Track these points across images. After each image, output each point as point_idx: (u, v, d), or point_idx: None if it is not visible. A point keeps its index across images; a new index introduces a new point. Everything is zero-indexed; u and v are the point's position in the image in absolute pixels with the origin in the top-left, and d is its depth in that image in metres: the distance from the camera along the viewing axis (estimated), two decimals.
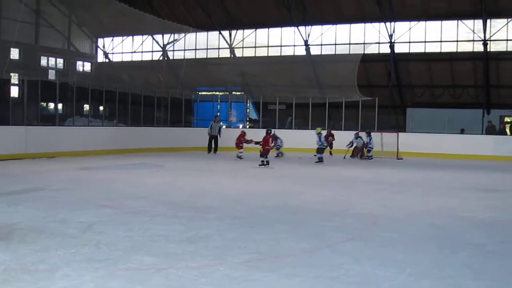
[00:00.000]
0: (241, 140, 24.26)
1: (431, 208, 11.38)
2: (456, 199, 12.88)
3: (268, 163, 20.33)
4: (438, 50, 36.83)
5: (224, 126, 32.98)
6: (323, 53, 39.45)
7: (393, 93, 37.71)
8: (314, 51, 39.51)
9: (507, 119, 37.64)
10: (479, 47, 35.45)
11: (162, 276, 5.95)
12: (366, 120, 31.71)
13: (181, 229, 8.47)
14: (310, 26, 38.77)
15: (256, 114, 40.57)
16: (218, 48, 42.68)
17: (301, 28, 38.83)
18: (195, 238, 7.84)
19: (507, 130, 34.99)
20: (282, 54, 40.74)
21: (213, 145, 28.00)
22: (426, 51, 37.07)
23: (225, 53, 42.25)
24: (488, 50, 35.24)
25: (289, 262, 6.71)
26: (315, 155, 23.43)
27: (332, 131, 28.51)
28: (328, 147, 26.53)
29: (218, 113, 32.44)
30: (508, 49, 35.47)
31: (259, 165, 20.09)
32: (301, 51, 39.77)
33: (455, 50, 36.55)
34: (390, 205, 11.69)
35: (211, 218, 9.50)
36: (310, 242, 7.80)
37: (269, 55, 40.90)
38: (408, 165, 22.96)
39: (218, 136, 27.96)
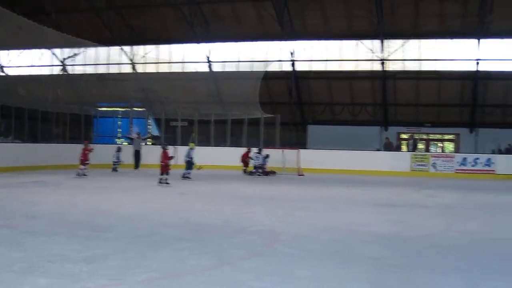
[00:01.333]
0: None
1: (332, 224, 11.55)
2: (356, 215, 13.15)
3: (167, 181, 19.76)
4: (338, 69, 37.75)
5: (125, 143, 32.56)
6: (225, 70, 39.61)
7: (294, 110, 38.30)
8: (217, 68, 39.65)
9: (403, 136, 39.00)
10: (377, 66, 36.63)
11: None
12: (268, 136, 32.04)
13: (78, 249, 8.18)
14: (212, 43, 38.86)
15: (158, 131, 40.19)
16: (120, 64, 42.00)
17: (204, 44, 38.88)
18: (92, 258, 7.60)
19: (404, 147, 36.23)
20: (185, 71, 40.60)
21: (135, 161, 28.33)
22: (327, 69, 37.91)
23: (127, 69, 41.65)
24: (386, 69, 36.48)
25: (190, 280, 6.61)
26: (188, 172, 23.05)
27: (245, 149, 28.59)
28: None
29: (138, 132, 31.86)
30: (405, 69, 36.85)
31: (159, 183, 19.68)
32: (203, 67, 39.80)
33: (354, 69, 37.58)
34: (292, 221, 11.79)
35: (110, 237, 9.26)
36: (211, 260, 7.71)
37: (172, 71, 40.66)
38: (309, 181, 23.32)
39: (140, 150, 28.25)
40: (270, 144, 29.43)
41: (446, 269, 7.64)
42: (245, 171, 27.13)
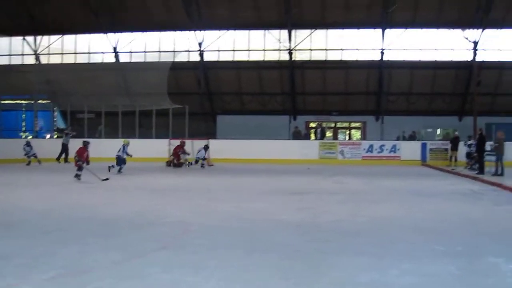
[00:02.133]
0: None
1: (242, 213, 11.57)
2: (265, 203, 13.22)
3: (79, 176, 19.11)
4: (246, 59, 37.89)
5: (30, 137, 31.61)
6: (132, 60, 39.03)
7: (203, 100, 38.19)
8: (124, 58, 39.00)
9: (312, 125, 39.61)
10: (285, 56, 37.04)
11: None
12: (177, 127, 31.80)
13: None
14: (119, 33, 38.20)
15: (64, 123, 39.15)
16: (22, 54, 40.61)
17: (110, 35, 38.15)
18: None
19: (312, 135, 36.80)
20: (91, 61, 39.73)
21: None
22: (235, 59, 37.98)
23: (30, 60, 40.35)
24: (293, 59, 36.93)
25: (99, 275, 6.44)
26: (112, 166, 22.61)
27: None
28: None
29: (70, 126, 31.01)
30: (312, 58, 37.39)
31: (75, 176, 19.04)
32: (110, 58, 39.07)
33: (262, 59, 37.81)
34: (201, 212, 11.72)
35: (14, 235, 8.91)
36: (120, 253, 7.55)
37: (77, 62, 39.70)
38: (219, 172, 23.31)
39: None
40: (179, 135, 29.17)
41: (354, 253, 7.79)
42: (174, 164, 26.39)
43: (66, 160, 28.36)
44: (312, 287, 5.98)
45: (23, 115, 38.01)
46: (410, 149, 30.21)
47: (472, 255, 7.85)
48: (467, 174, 22.45)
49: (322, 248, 8.12)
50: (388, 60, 36.67)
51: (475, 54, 35.36)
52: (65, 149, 28.62)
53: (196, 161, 26.09)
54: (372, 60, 37.10)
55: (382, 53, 36.35)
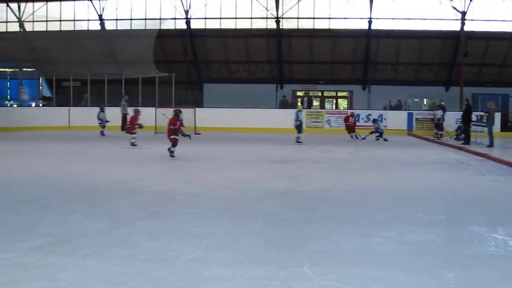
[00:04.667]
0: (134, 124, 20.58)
1: (228, 182, 11.63)
2: (250, 172, 13.30)
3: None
4: (233, 27, 37.66)
5: (15, 105, 31.44)
6: (118, 28, 38.68)
7: (190, 69, 37.97)
8: (109, 26, 38.65)
9: (299, 93, 39.57)
10: (272, 25, 36.84)
11: None
12: (163, 96, 31.71)
13: None
14: (104, 0, 37.78)
15: (49, 92, 38.89)
16: (6, 22, 40.03)
17: (96, 2, 37.74)
18: None
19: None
20: (76, 29, 39.32)
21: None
22: (222, 27, 37.74)
23: (14, 27, 39.80)
24: (281, 27, 36.75)
25: (84, 243, 6.46)
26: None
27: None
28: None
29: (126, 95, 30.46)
30: (299, 27, 37.23)
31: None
32: (95, 26, 38.70)
33: (249, 27, 37.59)
34: (188, 180, 11.78)
35: None
36: (106, 222, 7.60)
37: (62, 29, 39.25)
38: (205, 140, 23.27)
39: (127, 114, 27.23)
40: (165, 103, 29.09)
41: (337, 221, 7.87)
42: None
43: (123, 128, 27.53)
44: (295, 255, 6.03)
45: (8, 83, 37.71)
46: (397, 119, 30.33)
47: (455, 224, 7.97)
48: (453, 144, 22.59)
49: (306, 216, 8.21)
50: (375, 29, 36.53)
51: (463, 24, 35.24)
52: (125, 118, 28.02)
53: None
54: (360, 29, 36.94)
55: (370, 22, 36.19)
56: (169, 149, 15.89)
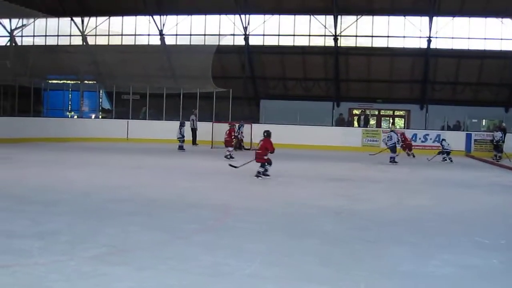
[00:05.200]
0: (231, 137, 22.18)
1: (284, 198, 11.62)
2: (308, 189, 13.27)
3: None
4: (291, 44, 37.77)
5: (75, 116, 32.14)
6: (178, 43, 39.22)
7: (247, 84, 38.20)
8: (169, 41, 39.23)
9: (355, 112, 39.33)
10: (330, 42, 36.80)
11: (8, 274, 5.59)
12: (220, 111, 31.96)
13: (28, 224, 8.02)
14: (165, 16, 38.42)
15: (109, 104, 39.64)
16: (70, 35, 41.07)
17: (156, 17, 38.40)
18: (43, 233, 7.46)
19: (355, 122, 36.57)
20: (136, 43, 40.05)
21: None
22: (280, 44, 37.88)
23: (77, 41, 40.80)
24: (339, 45, 36.69)
25: (141, 255, 6.56)
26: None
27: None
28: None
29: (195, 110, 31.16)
30: (357, 45, 37.09)
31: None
32: (155, 40, 39.35)
33: (307, 44, 37.64)
34: (244, 196, 11.81)
35: (60, 212, 9.10)
36: (163, 234, 7.67)
37: (123, 43, 40.04)
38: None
39: (196, 128, 29.20)
40: (222, 119, 29.33)
41: (394, 242, 7.76)
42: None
43: (194, 142, 29.07)
44: (351, 274, 5.98)
45: (70, 95, 38.52)
46: (455, 139, 29.78)
47: None
48: None
49: (362, 236, 8.11)
50: (434, 48, 36.08)
51: None
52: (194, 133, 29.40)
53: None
54: (418, 48, 36.57)
55: (429, 41, 35.78)
56: (261, 172, 15.22)
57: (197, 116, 29.94)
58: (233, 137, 22.03)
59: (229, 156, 20.52)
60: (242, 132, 26.98)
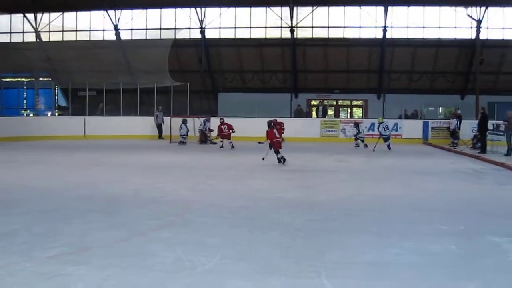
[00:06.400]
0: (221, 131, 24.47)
1: (243, 191, 11.60)
2: (267, 181, 13.25)
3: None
4: (248, 36, 37.74)
5: (31, 115, 31.66)
6: (133, 38, 38.85)
7: (204, 78, 38.03)
8: (125, 36, 38.83)
9: (313, 103, 39.50)
10: (286, 34, 36.90)
11: None
12: (178, 105, 31.78)
13: None
14: (120, 10, 37.97)
15: (65, 101, 39.10)
16: (23, 32, 40.33)
17: (111, 12, 37.94)
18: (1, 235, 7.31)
19: (313, 113, 36.75)
20: (91, 39, 39.52)
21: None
22: (237, 36, 37.83)
23: (31, 37, 40.06)
24: (295, 36, 36.79)
25: (102, 253, 6.46)
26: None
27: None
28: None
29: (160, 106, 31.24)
30: (314, 36, 37.24)
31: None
32: (111, 35, 38.90)
33: (264, 36, 37.66)
34: (204, 190, 11.75)
35: (16, 213, 8.90)
36: (124, 232, 7.58)
37: (78, 39, 39.48)
38: (219, 149, 23.34)
39: (162, 123, 29.74)
40: (180, 113, 29.19)
41: (355, 232, 7.81)
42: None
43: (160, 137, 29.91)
44: (313, 265, 5.99)
45: (24, 93, 37.91)
46: (412, 128, 30.17)
47: (474, 234, 7.86)
48: (469, 153, 22.40)
49: (324, 226, 8.15)
50: (390, 38, 36.44)
51: (478, 32, 35.11)
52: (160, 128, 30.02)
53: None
54: (374, 38, 36.90)
55: (385, 30, 36.10)
56: (280, 157, 17.48)
57: (163, 112, 30.05)
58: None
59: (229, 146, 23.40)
60: (209, 127, 26.89)
